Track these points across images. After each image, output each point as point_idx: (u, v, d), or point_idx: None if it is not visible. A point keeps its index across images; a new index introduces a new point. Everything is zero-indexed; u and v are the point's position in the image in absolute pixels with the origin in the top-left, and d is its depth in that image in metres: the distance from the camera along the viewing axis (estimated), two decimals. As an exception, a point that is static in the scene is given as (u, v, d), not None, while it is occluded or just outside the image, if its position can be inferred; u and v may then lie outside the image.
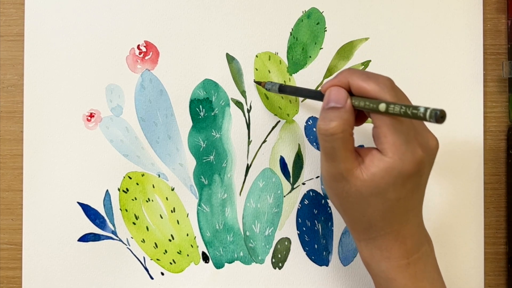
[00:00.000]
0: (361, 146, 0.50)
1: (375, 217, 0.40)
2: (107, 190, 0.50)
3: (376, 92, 0.38)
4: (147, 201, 0.50)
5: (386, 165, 0.38)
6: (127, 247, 0.50)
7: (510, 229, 0.50)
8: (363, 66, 0.51)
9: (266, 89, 0.49)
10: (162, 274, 0.50)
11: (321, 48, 0.51)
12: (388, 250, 0.40)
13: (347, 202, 0.40)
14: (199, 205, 0.51)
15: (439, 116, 0.34)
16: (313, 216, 0.50)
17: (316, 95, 0.43)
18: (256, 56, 0.50)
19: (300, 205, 0.50)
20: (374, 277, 0.42)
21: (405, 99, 0.40)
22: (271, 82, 0.48)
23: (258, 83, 0.50)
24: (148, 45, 0.50)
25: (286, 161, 0.50)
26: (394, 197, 0.39)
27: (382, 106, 0.37)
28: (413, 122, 0.39)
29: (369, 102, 0.38)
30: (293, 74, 0.50)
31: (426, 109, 0.35)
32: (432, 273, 0.41)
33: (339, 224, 0.50)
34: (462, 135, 0.51)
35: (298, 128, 0.50)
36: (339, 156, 0.39)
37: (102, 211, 0.50)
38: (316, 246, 0.50)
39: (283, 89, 0.47)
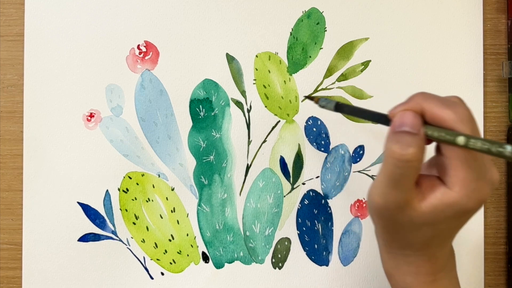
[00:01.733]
0: (361, 147, 0.50)
1: (417, 241, 0.38)
2: (107, 190, 0.50)
3: (453, 122, 0.36)
4: (147, 201, 0.51)
5: (450, 200, 0.36)
6: (127, 247, 0.50)
7: (510, 229, 0.50)
8: (363, 66, 0.51)
9: (320, 106, 0.43)
10: (162, 274, 0.51)
11: (321, 48, 0.51)
12: (417, 267, 0.39)
13: (393, 227, 0.38)
14: (199, 205, 0.51)
15: None
16: (313, 216, 0.50)
17: (381, 119, 0.39)
18: (256, 56, 0.51)
19: (300, 205, 0.50)
20: (395, 286, 0.41)
21: (478, 131, 0.38)
22: (326, 99, 0.42)
23: (310, 98, 0.44)
24: (148, 45, 0.50)
25: (286, 161, 0.50)
26: (445, 227, 0.37)
27: (461, 140, 0.34)
28: (482, 160, 0.36)
29: (446, 133, 0.35)
30: (293, 74, 0.51)
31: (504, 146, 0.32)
32: (456, 286, 0.41)
33: (339, 224, 0.50)
34: (462, 135, 0.51)
35: (298, 128, 0.50)
36: (405, 185, 0.36)
37: (102, 211, 0.50)
38: (316, 246, 0.51)
39: (340, 108, 0.41)
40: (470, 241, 0.51)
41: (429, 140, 0.37)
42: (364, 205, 0.50)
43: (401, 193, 0.36)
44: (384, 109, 0.49)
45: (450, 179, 0.36)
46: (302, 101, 0.50)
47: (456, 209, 0.36)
